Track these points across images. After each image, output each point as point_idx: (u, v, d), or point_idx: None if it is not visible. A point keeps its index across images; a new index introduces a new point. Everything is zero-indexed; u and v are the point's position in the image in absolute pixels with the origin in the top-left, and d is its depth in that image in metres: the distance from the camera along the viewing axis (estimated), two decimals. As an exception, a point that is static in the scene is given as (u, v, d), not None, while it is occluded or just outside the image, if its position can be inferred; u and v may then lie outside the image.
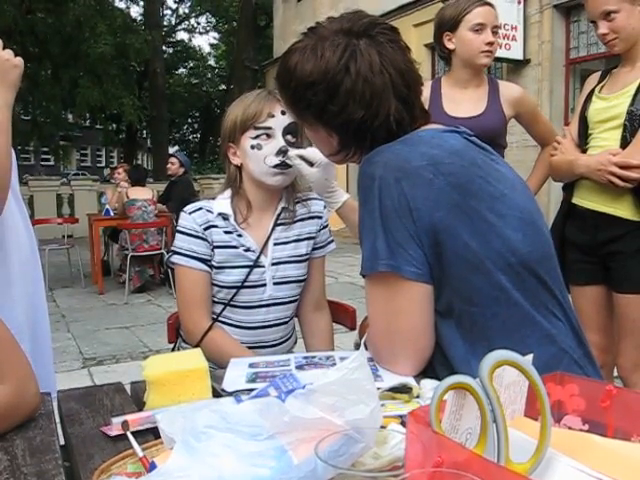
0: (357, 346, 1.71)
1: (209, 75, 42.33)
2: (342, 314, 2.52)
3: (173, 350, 2.39)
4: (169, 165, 9.50)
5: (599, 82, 2.80)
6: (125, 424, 1.07)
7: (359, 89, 1.43)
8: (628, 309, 2.66)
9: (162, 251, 8.50)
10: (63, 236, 10.34)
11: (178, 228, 2.19)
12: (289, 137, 2.13)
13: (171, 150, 32.11)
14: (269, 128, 2.10)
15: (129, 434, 0.99)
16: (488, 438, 0.71)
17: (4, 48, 1.70)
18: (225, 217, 2.15)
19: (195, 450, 0.82)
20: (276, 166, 2.10)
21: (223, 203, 2.17)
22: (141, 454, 0.91)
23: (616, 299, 2.72)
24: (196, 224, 2.14)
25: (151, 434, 1.18)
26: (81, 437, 1.24)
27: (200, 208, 2.17)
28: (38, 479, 1.07)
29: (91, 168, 44.07)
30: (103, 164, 48.98)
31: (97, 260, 9.12)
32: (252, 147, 2.10)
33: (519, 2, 10.71)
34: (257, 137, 2.10)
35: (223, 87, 40.09)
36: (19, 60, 1.72)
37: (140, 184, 9.00)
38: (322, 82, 1.44)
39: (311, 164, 1.98)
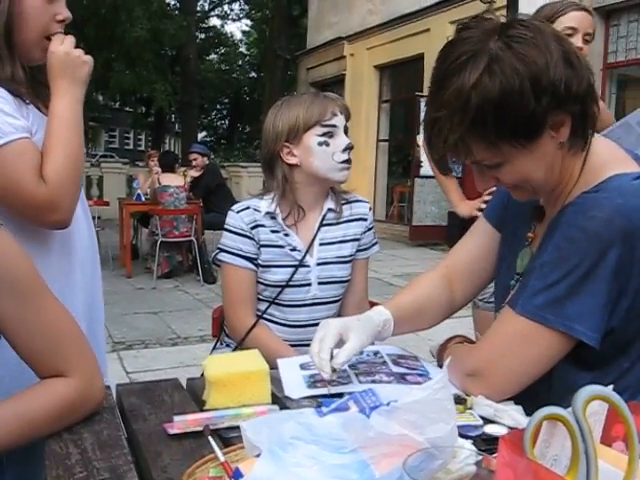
0: (432, 354, 1.73)
1: (240, 62, 42.34)
2: (383, 316, 2.54)
3: (216, 344, 2.42)
4: (194, 163, 9.56)
5: None
6: (207, 428, 1.10)
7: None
8: None
9: (191, 238, 8.56)
10: (93, 217, 10.42)
11: (225, 226, 2.22)
12: (346, 136, 2.20)
13: (200, 136, 32.25)
14: (334, 126, 2.16)
15: (210, 439, 1.02)
16: (579, 469, 0.73)
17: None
18: (273, 216, 2.19)
19: (281, 460, 0.85)
20: (343, 162, 2.16)
21: (271, 202, 2.20)
22: (223, 459, 0.94)
23: None
24: (243, 223, 2.17)
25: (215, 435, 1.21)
26: (146, 434, 1.27)
27: (248, 207, 2.20)
28: (110, 474, 1.11)
29: (119, 150, 44.30)
30: (131, 146, 49.23)
31: (127, 243, 9.21)
32: (320, 144, 2.14)
33: (558, 4, 10.62)
34: (324, 134, 2.14)
35: (253, 75, 40.14)
36: (89, 57, 1.76)
37: (170, 170, 9.07)
38: (555, 64, 1.25)
39: None
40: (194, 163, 9.58)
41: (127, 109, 36.11)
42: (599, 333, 1.29)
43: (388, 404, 0.89)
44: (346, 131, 2.21)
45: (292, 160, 2.18)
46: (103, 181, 15.45)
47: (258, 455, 0.90)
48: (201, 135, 39.96)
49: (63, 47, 1.71)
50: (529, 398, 1.36)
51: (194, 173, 9.53)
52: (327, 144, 2.14)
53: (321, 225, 2.25)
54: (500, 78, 1.23)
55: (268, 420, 0.97)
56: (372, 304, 2.48)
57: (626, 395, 0.85)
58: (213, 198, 9.32)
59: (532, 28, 1.28)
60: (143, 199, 9.42)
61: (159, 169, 9.19)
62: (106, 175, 15.61)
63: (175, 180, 8.87)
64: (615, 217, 1.27)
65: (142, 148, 46.59)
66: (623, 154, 1.44)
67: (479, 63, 1.25)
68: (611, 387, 0.83)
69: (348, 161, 2.18)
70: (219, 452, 0.96)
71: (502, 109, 1.24)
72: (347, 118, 2.23)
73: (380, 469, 0.86)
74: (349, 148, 2.18)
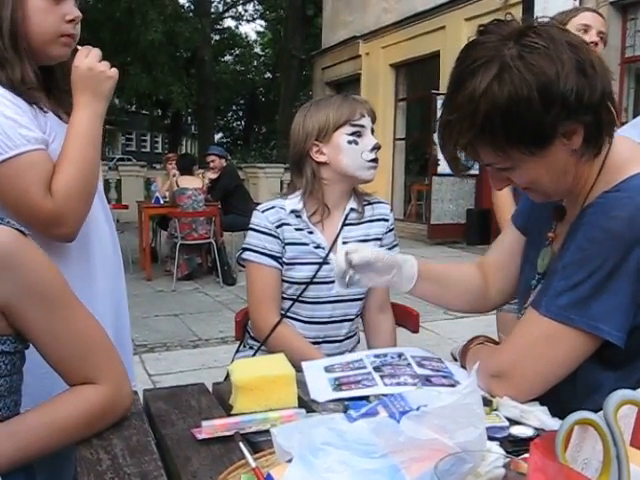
0: (453, 357, 1.74)
1: (255, 63, 42.42)
2: (406, 317, 2.55)
3: (239, 347, 2.44)
4: (211, 165, 9.60)
5: None
6: (237, 435, 1.11)
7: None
8: None
9: (210, 240, 8.59)
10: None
11: (251, 226, 2.25)
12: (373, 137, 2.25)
13: (216, 137, 32.33)
14: (362, 126, 2.21)
15: (242, 445, 1.03)
16: (611, 473, 0.74)
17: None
18: (298, 214, 2.22)
19: (312, 465, 0.86)
20: (371, 160, 2.21)
21: (295, 201, 2.24)
22: (254, 464, 0.95)
23: None
24: (269, 222, 2.20)
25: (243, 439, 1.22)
26: (175, 439, 1.29)
27: (273, 207, 2.24)
28: (142, 480, 1.12)
29: (136, 153, 44.49)
30: (148, 149, 49.45)
31: (146, 246, 9.25)
32: (349, 142, 2.19)
33: (575, -1, 10.56)
34: (353, 134, 2.19)
35: (268, 75, 40.19)
36: (114, 71, 1.77)
37: (188, 172, 9.12)
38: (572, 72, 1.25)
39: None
40: (212, 165, 9.61)
41: (143, 112, 36.23)
42: (624, 332, 1.29)
43: (418, 409, 0.90)
44: (372, 132, 2.26)
45: (321, 158, 2.21)
46: (121, 184, 15.50)
47: (289, 461, 0.91)
48: (217, 136, 40.06)
49: (87, 61, 1.73)
50: (553, 399, 1.36)
51: (212, 175, 9.57)
52: (356, 143, 2.19)
53: (344, 224, 2.28)
54: (509, 87, 1.23)
55: (299, 426, 0.97)
56: (393, 305, 2.49)
57: None
58: (231, 200, 9.35)
59: (545, 37, 1.27)
60: (162, 202, 9.47)
61: (177, 172, 9.24)
62: (124, 178, 15.65)
63: (193, 182, 8.92)
64: (637, 216, 1.27)
65: (159, 151, 46.83)
66: None
67: (490, 70, 1.25)
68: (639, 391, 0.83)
69: (375, 160, 2.23)
70: (250, 458, 0.97)
71: (510, 118, 1.25)
72: (373, 120, 2.28)
73: (411, 473, 0.86)
74: (376, 148, 2.23)
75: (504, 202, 2.99)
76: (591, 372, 1.38)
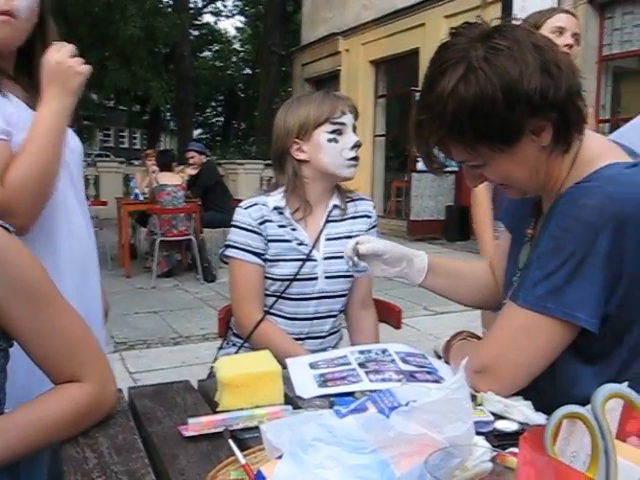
0: (436, 354, 1.75)
1: (234, 59, 42.30)
2: (388, 313, 2.56)
3: (222, 344, 2.44)
4: (191, 160, 9.58)
5: None
6: (227, 431, 1.12)
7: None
8: None
9: (190, 237, 8.56)
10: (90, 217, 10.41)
11: (233, 222, 2.25)
12: (354, 134, 2.25)
13: (195, 133, 32.21)
14: (343, 124, 2.21)
15: (231, 442, 1.03)
16: (599, 466, 0.75)
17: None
18: (280, 211, 2.22)
19: (303, 461, 0.86)
20: (351, 159, 2.22)
21: (278, 198, 2.24)
22: (243, 461, 0.95)
23: None
24: (252, 219, 2.20)
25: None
26: (162, 436, 1.28)
27: (255, 204, 2.24)
28: (129, 478, 1.12)
29: (114, 149, 44.25)
30: (126, 145, 49.18)
31: (125, 243, 9.20)
32: (329, 140, 2.19)
33: (553, -3, 10.62)
34: (333, 132, 2.19)
35: (248, 71, 40.10)
36: (84, 68, 1.76)
37: (168, 169, 9.08)
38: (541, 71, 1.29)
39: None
40: (191, 161, 9.58)
41: (122, 108, 36.06)
42: (598, 319, 1.32)
43: (407, 404, 0.91)
44: (354, 130, 2.26)
45: (301, 156, 2.22)
46: (100, 181, 15.42)
47: (279, 457, 0.92)
48: (196, 132, 39.85)
49: (58, 55, 1.71)
50: (533, 394, 1.38)
51: (191, 171, 9.54)
52: (336, 141, 2.19)
53: (327, 221, 2.29)
54: (474, 87, 1.29)
55: (288, 422, 0.98)
56: (375, 301, 2.50)
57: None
58: (211, 196, 9.33)
59: (510, 39, 1.31)
60: (141, 198, 9.43)
61: (157, 168, 9.20)
62: (102, 175, 15.58)
63: (173, 179, 8.88)
64: (606, 204, 1.30)
65: (137, 147, 46.59)
66: (614, 146, 1.48)
67: (457, 72, 1.31)
68: (626, 384, 0.85)
69: (356, 158, 2.23)
70: (240, 455, 0.97)
71: (476, 116, 1.30)
72: (355, 117, 2.28)
73: (400, 468, 0.87)
74: (357, 146, 2.23)
75: (481, 202, 3.02)
76: (569, 367, 1.40)
